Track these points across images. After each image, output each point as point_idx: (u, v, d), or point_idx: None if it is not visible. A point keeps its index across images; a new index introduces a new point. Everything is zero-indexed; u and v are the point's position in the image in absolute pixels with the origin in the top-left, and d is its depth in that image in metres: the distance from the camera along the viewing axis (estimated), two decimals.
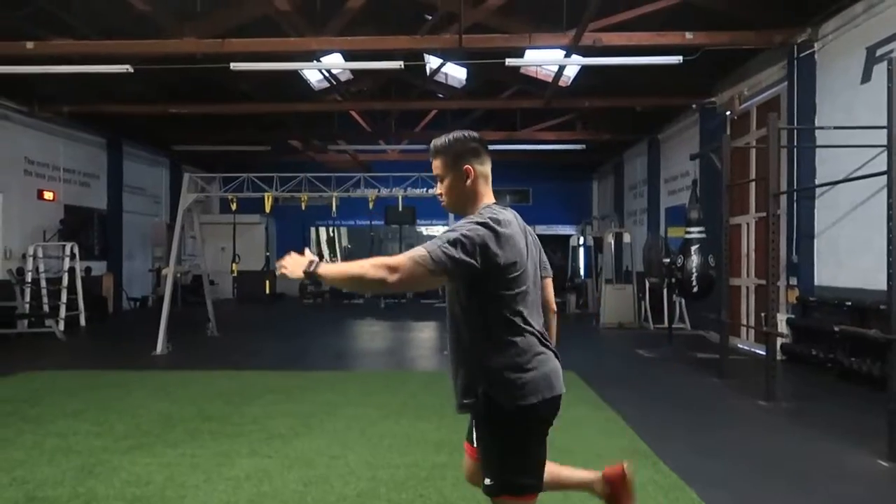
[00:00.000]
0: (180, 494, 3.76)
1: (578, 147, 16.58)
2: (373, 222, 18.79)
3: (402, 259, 1.93)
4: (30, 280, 11.84)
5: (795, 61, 8.79)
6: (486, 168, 2.23)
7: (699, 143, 11.98)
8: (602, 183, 21.11)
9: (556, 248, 20.89)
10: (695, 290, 7.83)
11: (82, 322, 12.49)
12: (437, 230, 22.36)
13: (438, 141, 2.22)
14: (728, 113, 11.19)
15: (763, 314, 8.91)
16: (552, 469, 2.39)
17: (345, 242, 22.96)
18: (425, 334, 11.87)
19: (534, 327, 2.14)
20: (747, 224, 10.43)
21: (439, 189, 2.24)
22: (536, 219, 21.77)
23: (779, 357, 6.76)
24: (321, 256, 20.82)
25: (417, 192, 10.76)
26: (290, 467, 4.23)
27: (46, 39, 9.17)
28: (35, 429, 5.17)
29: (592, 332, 12.33)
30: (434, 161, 2.22)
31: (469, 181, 2.18)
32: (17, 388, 6.85)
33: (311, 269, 1.97)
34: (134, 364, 8.39)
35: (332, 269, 2.00)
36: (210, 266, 13.17)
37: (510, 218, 2.13)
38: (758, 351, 9.43)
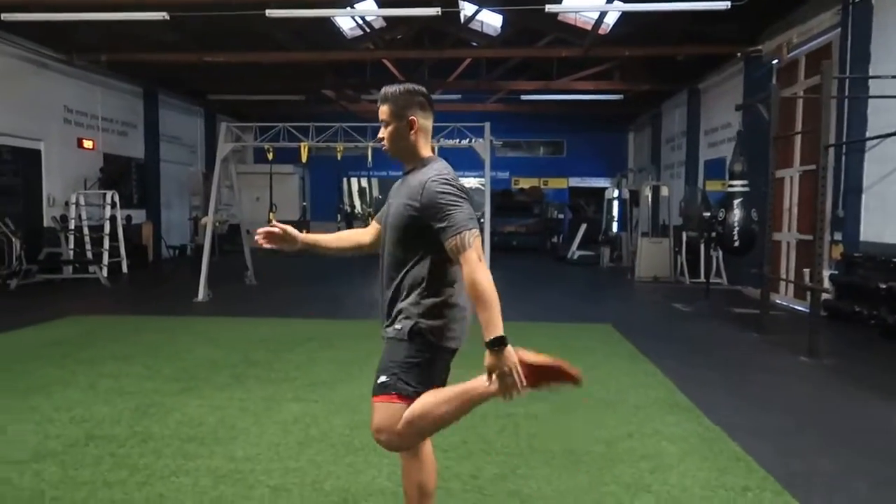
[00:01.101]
0: (231, 436, 3.88)
1: (615, 98, 16.21)
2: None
3: (475, 258, 2.13)
4: (73, 227, 12.13)
5: (850, 7, 8.40)
6: (428, 122, 2.37)
7: (743, 94, 11.60)
8: (638, 135, 20.68)
9: (589, 200, 20.69)
10: (736, 244, 7.69)
11: (124, 269, 12.79)
12: (469, 182, 22.22)
13: (389, 89, 2.34)
14: (775, 62, 10.80)
15: (805, 270, 8.77)
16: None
17: (376, 193, 22.97)
18: None
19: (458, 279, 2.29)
20: (790, 178, 10.17)
21: (383, 134, 2.35)
22: (570, 171, 21.61)
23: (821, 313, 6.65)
24: (353, 207, 20.97)
25: (450, 142, 10.64)
26: (336, 412, 4.34)
27: None
28: (88, 370, 5.36)
29: (627, 285, 12.27)
30: (382, 107, 2.33)
31: (412, 132, 2.31)
32: (67, 330, 7.08)
33: (498, 347, 2.12)
34: (176, 310, 8.61)
35: (491, 325, 2.11)
36: (245, 216, 13.34)
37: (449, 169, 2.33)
38: (797, 307, 9.31)
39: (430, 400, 2.26)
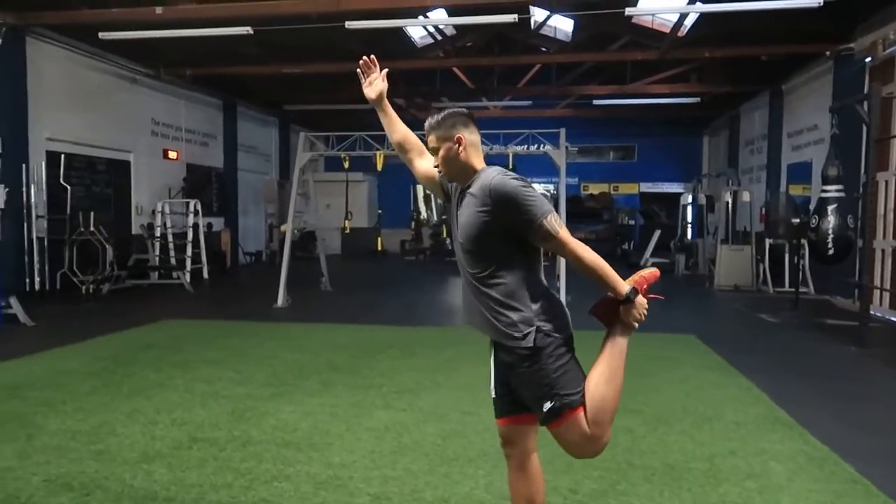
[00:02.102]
0: (326, 442, 3.93)
1: (692, 100, 15.77)
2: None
3: (564, 234, 2.20)
4: (158, 235, 12.66)
5: None
6: (475, 137, 2.38)
7: (832, 94, 11.09)
8: (713, 139, 20.07)
9: (661, 206, 20.20)
10: (830, 252, 7.31)
11: (205, 275, 13.26)
12: (537, 187, 22.03)
13: (431, 119, 2.38)
14: (868, 60, 10.28)
15: None
16: None
17: (440, 200, 23.03)
18: None
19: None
20: (885, 182, 9.65)
21: (436, 161, 2.39)
22: (641, 176, 21.16)
23: None
24: (417, 213, 21.06)
25: (520, 149, 10.53)
26: (425, 421, 4.34)
27: (173, 4, 9.56)
28: (183, 374, 5.55)
29: (707, 294, 11.88)
30: (429, 137, 2.38)
31: (462, 149, 2.33)
32: (159, 335, 7.37)
33: (630, 297, 2.28)
34: (258, 315, 8.85)
35: (609, 282, 2.26)
36: (320, 223, 13.64)
37: None
38: (893, 318, 8.81)
39: (595, 391, 2.27)
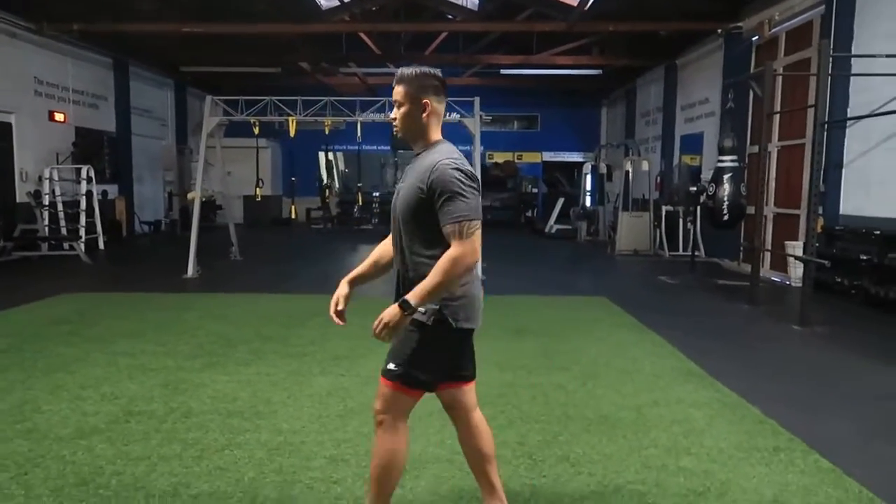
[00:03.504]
0: (271, 410, 3.93)
1: (594, 72, 16.32)
2: (378, 147, 19.23)
3: (466, 244, 2.15)
4: (47, 203, 11.79)
5: None
6: (441, 107, 2.39)
7: (722, 70, 11.85)
8: (611, 110, 20.90)
9: (562, 174, 20.92)
10: (725, 218, 7.92)
11: (101, 245, 12.51)
12: None
13: (406, 70, 2.34)
14: (755, 38, 11.05)
15: (786, 242, 9.10)
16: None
17: (342, 166, 22.63)
18: None
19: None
20: (768, 153, 10.47)
21: (395, 114, 2.37)
22: (544, 145, 21.73)
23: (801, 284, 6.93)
24: (321, 181, 20.64)
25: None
26: (366, 384, 4.39)
27: None
28: (101, 348, 5.31)
29: (609, 259, 12.53)
30: (396, 87, 2.34)
31: (425, 115, 2.33)
32: (64, 309, 6.95)
33: (408, 310, 2.18)
34: (168, 287, 8.51)
35: (425, 293, 2.17)
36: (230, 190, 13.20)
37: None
38: (775, 279, 9.67)
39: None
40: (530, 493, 2.93)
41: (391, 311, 2.19)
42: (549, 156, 21.80)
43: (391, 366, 2.33)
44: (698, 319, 6.97)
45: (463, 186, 2.18)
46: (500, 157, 21.37)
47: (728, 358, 5.33)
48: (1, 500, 2.79)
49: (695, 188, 9.67)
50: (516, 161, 21.45)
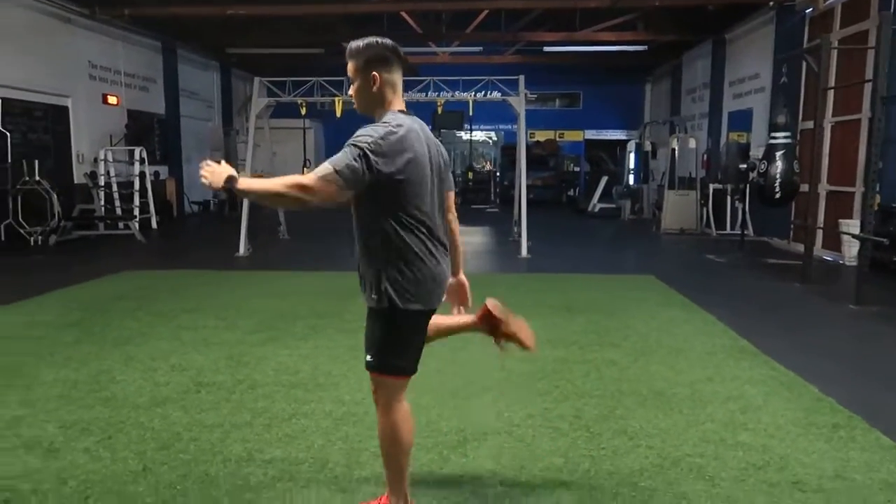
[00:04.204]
0: (332, 382, 4.07)
1: (639, 48, 16.03)
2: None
3: (314, 179, 2.07)
4: (103, 184, 12.19)
5: None
6: (393, 76, 2.30)
7: (774, 44, 11.54)
8: (656, 87, 20.52)
9: (606, 152, 20.66)
10: (777, 196, 7.78)
11: (153, 224, 12.89)
12: (477, 135, 22.12)
13: (353, 44, 2.30)
14: (809, 10, 10.72)
15: (841, 220, 8.90)
16: (435, 322, 2.56)
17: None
18: (486, 238, 12.03)
19: (428, 235, 2.29)
20: (822, 129, 10.20)
21: (351, 91, 2.34)
22: (586, 123, 21.48)
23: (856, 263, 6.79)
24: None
25: (479, 96, 10.54)
26: (424, 359, 4.50)
27: None
28: (164, 322, 5.53)
29: (655, 238, 12.41)
30: (348, 64, 2.31)
31: (375, 87, 2.28)
32: (126, 285, 7.23)
33: (230, 183, 2.10)
34: (222, 264, 8.76)
35: (252, 185, 2.15)
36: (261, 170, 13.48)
37: (410, 127, 2.24)
38: (827, 258, 9.47)
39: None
40: (590, 464, 3.00)
41: (223, 170, 2.13)
42: (591, 134, 21.54)
43: (368, 357, 2.35)
44: (749, 298, 6.90)
45: (355, 138, 2.13)
46: (541, 136, 21.21)
47: (782, 336, 5.28)
48: (90, 462, 2.98)
49: (745, 166, 9.49)
50: (557, 139, 21.27)
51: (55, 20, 11.58)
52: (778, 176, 7.74)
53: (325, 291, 6.80)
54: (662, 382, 4.09)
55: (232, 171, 2.14)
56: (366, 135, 2.14)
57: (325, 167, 2.08)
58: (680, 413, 3.60)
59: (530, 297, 6.33)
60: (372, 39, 2.28)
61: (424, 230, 2.28)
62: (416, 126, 2.28)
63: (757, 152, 10.69)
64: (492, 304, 2.73)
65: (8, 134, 9.76)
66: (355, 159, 2.08)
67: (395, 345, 2.33)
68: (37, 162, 9.94)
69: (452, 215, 2.59)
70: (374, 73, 2.26)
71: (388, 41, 2.29)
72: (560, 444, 3.21)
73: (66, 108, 11.98)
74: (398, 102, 2.32)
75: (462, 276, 2.70)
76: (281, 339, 5.04)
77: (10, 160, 9.65)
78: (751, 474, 2.90)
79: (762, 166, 7.91)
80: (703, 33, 14.56)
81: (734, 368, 4.38)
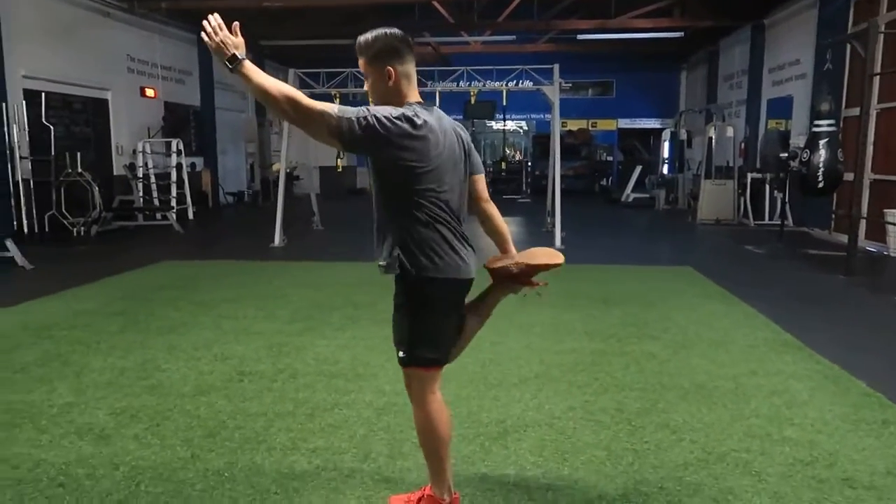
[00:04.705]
0: (371, 373, 4.10)
1: (675, 35, 15.75)
2: (454, 117, 18.81)
3: (312, 106, 2.01)
4: (141, 175, 12.43)
5: None
6: (407, 68, 2.23)
7: (816, 29, 11.24)
8: (691, 74, 20.15)
9: (639, 141, 20.41)
10: (821, 185, 7.60)
11: (190, 215, 13.11)
12: (509, 125, 21.95)
13: (362, 38, 2.21)
14: None
15: (887, 210, 8.66)
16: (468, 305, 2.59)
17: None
18: (519, 228, 11.98)
19: (447, 221, 2.26)
20: (868, 116, 9.92)
21: (366, 86, 2.28)
22: (619, 112, 21.20)
23: None
24: None
25: (511, 85, 10.46)
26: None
27: None
28: (205, 312, 5.63)
29: (691, 228, 12.23)
30: (359, 60, 2.24)
31: (391, 82, 2.20)
32: (166, 275, 7.38)
33: (235, 61, 2.03)
34: (258, 255, 8.87)
35: (253, 74, 2.04)
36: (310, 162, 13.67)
37: (428, 117, 2.19)
38: (871, 249, 9.23)
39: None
40: (633, 457, 2.98)
41: (233, 41, 2.06)
42: (624, 123, 21.29)
43: (400, 353, 2.35)
44: (791, 290, 6.76)
45: (376, 111, 2.08)
46: (573, 125, 21.01)
47: (826, 330, 5.17)
48: (140, 448, 3.05)
49: (785, 154, 9.28)
50: (590, 128, 21.05)
51: (95, 14, 11.80)
52: (821, 165, 7.56)
53: (360, 283, 6.83)
54: (704, 376, 4.04)
55: (241, 48, 2.05)
56: (386, 112, 2.10)
57: (331, 107, 2.04)
58: (724, 407, 3.55)
59: (566, 289, 6.28)
60: (380, 31, 2.21)
61: (444, 218, 2.26)
62: (430, 115, 2.23)
63: (797, 140, 10.45)
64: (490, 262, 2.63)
65: (52, 127, 9.97)
66: (360, 120, 2.04)
67: (423, 334, 2.31)
68: (79, 154, 10.15)
69: (487, 202, 2.57)
70: (388, 67, 2.19)
71: (397, 31, 2.22)
72: (602, 436, 3.19)
73: (105, 101, 12.22)
74: (413, 94, 2.26)
75: (513, 250, 2.65)
76: (318, 329, 5.10)
77: (53, 153, 9.86)
78: (798, 470, 2.85)
79: (804, 155, 7.73)
80: (741, 19, 14.24)
81: (777, 362, 4.30)
